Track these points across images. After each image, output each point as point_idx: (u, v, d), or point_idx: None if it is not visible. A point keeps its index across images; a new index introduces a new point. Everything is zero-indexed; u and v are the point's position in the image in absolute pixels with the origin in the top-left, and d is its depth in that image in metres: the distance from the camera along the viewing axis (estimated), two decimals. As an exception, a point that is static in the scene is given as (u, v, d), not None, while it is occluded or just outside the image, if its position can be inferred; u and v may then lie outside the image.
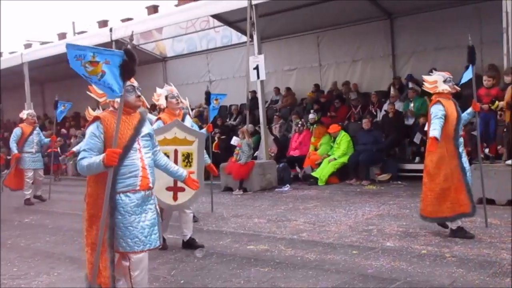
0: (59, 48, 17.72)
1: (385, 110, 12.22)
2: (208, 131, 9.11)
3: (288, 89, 15.68)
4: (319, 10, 13.57)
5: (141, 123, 4.00)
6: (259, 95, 12.04)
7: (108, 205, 3.76)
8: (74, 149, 10.42)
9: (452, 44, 12.75)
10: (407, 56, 13.93)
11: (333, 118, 13.11)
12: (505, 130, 8.15)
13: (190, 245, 6.40)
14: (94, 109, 9.14)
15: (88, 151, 3.82)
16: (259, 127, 12.40)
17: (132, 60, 3.65)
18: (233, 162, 11.18)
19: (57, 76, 21.31)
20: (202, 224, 7.93)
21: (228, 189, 11.29)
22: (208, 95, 9.64)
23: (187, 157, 5.97)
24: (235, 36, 16.96)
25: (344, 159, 11.38)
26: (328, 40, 15.20)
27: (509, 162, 7.84)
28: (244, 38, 14.37)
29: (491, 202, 7.80)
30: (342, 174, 11.52)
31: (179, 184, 5.55)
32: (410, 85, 12.17)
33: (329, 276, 4.98)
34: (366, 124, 11.34)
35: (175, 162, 5.73)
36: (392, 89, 12.65)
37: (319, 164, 11.66)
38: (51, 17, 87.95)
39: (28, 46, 32.90)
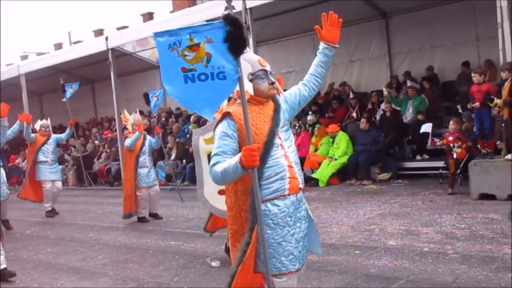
0: (55, 58, 17.81)
1: (382, 110, 12.23)
2: (157, 133, 9.46)
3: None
4: (314, 11, 13.52)
5: (277, 111, 3.20)
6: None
7: (252, 216, 3.04)
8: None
9: (448, 41, 12.80)
10: (403, 54, 13.95)
11: (331, 119, 13.12)
12: (503, 125, 8.15)
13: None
14: (130, 113, 9.19)
15: (221, 154, 3.03)
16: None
17: (238, 28, 2.85)
18: None
19: (54, 87, 21.24)
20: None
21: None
22: (146, 96, 10.29)
23: None
24: (231, 41, 16.96)
25: (344, 159, 11.38)
26: (324, 42, 15.19)
27: (509, 156, 7.84)
28: (239, 42, 14.36)
29: (492, 197, 7.81)
30: (342, 175, 11.52)
31: None
32: (409, 83, 12.19)
33: (332, 277, 4.97)
34: (363, 125, 11.34)
35: None
36: (384, 89, 12.62)
37: (319, 165, 11.66)
38: (47, 28, 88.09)
39: (24, 57, 33.02)
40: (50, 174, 10.51)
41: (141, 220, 8.97)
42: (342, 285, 4.75)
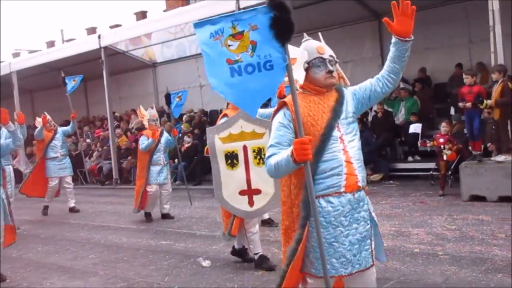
0: (47, 56, 17.72)
1: (374, 111, 12.27)
2: (174, 136, 9.22)
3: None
4: (307, 12, 13.58)
5: (339, 102, 2.99)
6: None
7: (304, 212, 2.85)
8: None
9: (440, 44, 12.84)
10: (395, 56, 13.97)
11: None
12: (493, 127, 8.20)
13: (241, 255, 5.83)
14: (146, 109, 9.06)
15: (276, 145, 2.85)
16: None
17: (285, 12, 2.61)
18: None
19: (46, 85, 21.23)
20: (195, 229, 7.92)
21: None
22: (168, 96, 9.84)
23: (259, 153, 5.03)
24: (225, 40, 16.96)
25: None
26: (317, 42, 15.22)
27: (500, 158, 7.88)
28: (233, 42, 14.35)
29: (482, 199, 7.85)
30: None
31: (254, 185, 4.96)
32: (402, 85, 12.23)
33: (322, 278, 4.97)
34: (356, 126, 11.37)
35: (246, 159, 5.04)
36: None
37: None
38: (39, 26, 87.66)
39: (16, 55, 32.85)
40: (59, 171, 10.35)
41: (147, 216, 8.87)
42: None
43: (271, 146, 2.87)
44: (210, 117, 16.26)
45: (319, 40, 3.30)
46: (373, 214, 3.04)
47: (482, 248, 5.45)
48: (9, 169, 8.58)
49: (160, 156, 8.76)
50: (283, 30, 2.63)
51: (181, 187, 13.21)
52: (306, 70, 2.96)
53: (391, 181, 10.71)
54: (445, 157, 8.64)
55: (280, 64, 2.64)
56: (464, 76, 8.58)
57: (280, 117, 2.92)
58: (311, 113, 2.92)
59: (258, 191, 5.03)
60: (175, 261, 6.13)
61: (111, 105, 15.98)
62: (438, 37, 12.74)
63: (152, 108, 9.03)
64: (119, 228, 8.60)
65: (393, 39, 2.97)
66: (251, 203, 5.06)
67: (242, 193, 5.07)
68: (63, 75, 12.06)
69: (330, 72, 2.98)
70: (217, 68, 2.65)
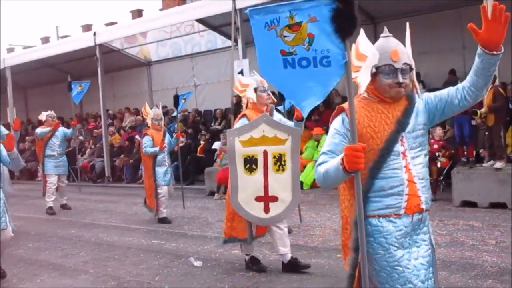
0: (42, 52, 17.66)
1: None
2: (177, 138, 9.08)
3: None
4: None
5: (407, 112, 2.63)
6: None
7: (356, 233, 2.54)
8: None
9: (435, 49, 12.88)
10: (390, 60, 14.02)
11: (317, 121, 13.17)
12: (486, 133, 8.24)
13: (294, 266, 5.29)
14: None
15: (328, 153, 2.60)
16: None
17: (348, 4, 2.39)
18: (224, 170, 11.04)
19: (40, 81, 21.16)
20: (187, 229, 7.91)
21: (213, 194, 11.28)
22: (176, 98, 9.72)
23: (279, 160, 4.88)
24: (220, 41, 16.97)
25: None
26: (313, 45, 15.24)
27: (498, 165, 7.86)
28: (228, 43, 14.39)
29: (473, 205, 7.89)
30: (326, 178, 11.53)
31: (271, 192, 4.85)
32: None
33: (313, 280, 4.99)
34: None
35: (265, 165, 4.87)
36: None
37: (304, 168, 11.69)
38: (34, 21, 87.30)
39: (10, 50, 32.64)
40: (55, 168, 10.28)
41: (162, 220, 8.47)
42: (322, 287, 4.77)
43: (323, 153, 2.62)
44: (204, 117, 16.26)
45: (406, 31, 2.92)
46: (432, 237, 2.72)
47: (473, 254, 5.48)
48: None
49: (165, 157, 8.61)
50: (345, 24, 2.39)
51: (173, 186, 13.20)
52: (374, 74, 2.64)
53: (383, 185, 10.72)
54: (439, 165, 8.69)
55: (338, 61, 2.42)
56: (459, 83, 8.62)
57: (337, 124, 2.67)
58: (372, 123, 2.60)
59: (275, 198, 4.87)
60: (166, 261, 6.13)
61: (105, 103, 15.94)
62: (432, 42, 12.79)
63: (157, 107, 8.87)
64: (110, 227, 8.58)
65: (479, 50, 2.44)
66: (266, 210, 4.90)
67: (258, 199, 4.90)
68: (69, 79, 11.70)
69: (399, 84, 2.61)
70: (270, 58, 2.49)
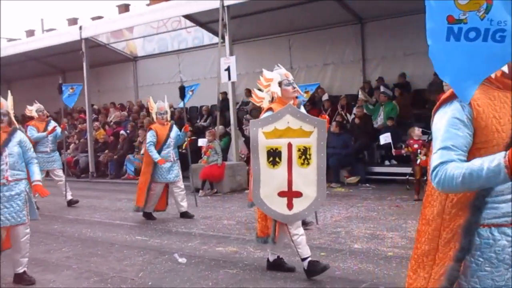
0: (27, 45, 17.49)
1: (354, 114, 12.37)
2: (185, 131, 8.71)
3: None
4: (291, 13, 13.64)
5: None
6: (230, 97, 12.06)
7: (465, 242, 2.12)
8: None
9: (420, 49, 12.88)
10: (376, 61, 14.12)
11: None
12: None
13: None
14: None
15: (454, 149, 2.05)
16: (230, 128, 12.42)
17: None
18: (210, 166, 11.03)
19: (25, 74, 20.95)
20: (171, 225, 7.90)
21: (198, 191, 11.27)
22: (182, 89, 9.35)
23: (304, 153, 4.64)
24: (207, 37, 16.95)
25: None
26: (300, 44, 15.30)
27: None
28: (215, 39, 14.36)
29: (456, 205, 7.95)
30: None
31: (295, 187, 4.65)
32: (382, 88, 12.36)
33: (297, 278, 5.01)
34: (334, 128, 11.46)
35: (289, 158, 4.65)
36: (360, 92, 12.84)
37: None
38: (19, 14, 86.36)
39: (-5, 43, 32.26)
40: (46, 164, 9.92)
41: (147, 216, 8.35)
42: (307, 286, 4.79)
43: (444, 148, 2.07)
44: (190, 114, 16.21)
45: None
46: None
47: (454, 254, 5.52)
48: None
49: (170, 152, 8.20)
50: None
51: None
52: None
53: (367, 184, 10.82)
54: (418, 161, 8.75)
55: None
56: (444, 84, 8.70)
57: (455, 111, 2.11)
58: (497, 114, 2.11)
59: (298, 194, 4.65)
60: (150, 257, 6.11)
61: (90, 98, 15.84)
62: (418, 43, 12.85)
63: (163, 101, 8.46)
64: (94, 222, 8.53)
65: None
66: (290, 206, 4.68)
67: (281, 194, 4.68)
68: (60, 81, 11.25)
69: None
70: (435, 25, 2.02)
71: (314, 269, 4.88)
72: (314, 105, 13.73)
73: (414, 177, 9.07)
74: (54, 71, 20.13)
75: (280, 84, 5.11)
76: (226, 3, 11.39)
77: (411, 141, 8.95)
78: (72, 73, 19.33)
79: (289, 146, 4.64)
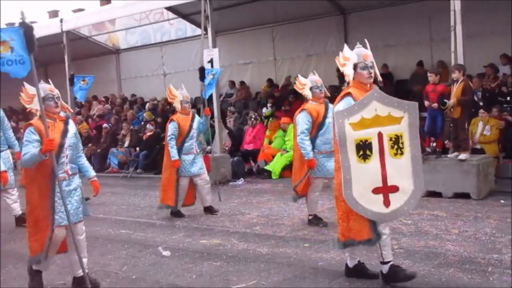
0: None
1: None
2: (206, 115, 8.40)
3: (243, 83, 15.72)
4: (273, 4, 13.62)
5: None
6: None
7: None
8: None
9: (402, 41, 13.07)
10: (359, 51, 14.14)
11: (287, 112, 13.21)
12: (451, 125, 8.38)
13: (394, 275, 4.45)
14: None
15: None
16: (213, 120, 12.39)
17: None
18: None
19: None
20: (155, 218, 7.88)
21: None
22: (202, 70, 9.07)
23: (396, 142, 4.19)
24: (190, 29, 16.86)
25: (297, 153, 11.46)
26: (283, 35, 15.29)
27: (462, 156, 7.98)
28: (198, 31, 14.30)
29: (438, 195, 8.04)
30: (295, 168, 11.59)
31: (390, 181, 4.18)
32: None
33: (280, 269, 5.04)
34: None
35: (381, 150, 4.17)
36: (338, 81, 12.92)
37: (273, 157, 11.73)
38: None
39: (-26, 35, 31.76)
40: None
41: (176, 214, 7.83)
42: (290, 277, 4.82)
43: None
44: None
45: None
46: None
47: (436, 243, 5.60)
48: (6, 154, 7.87)
49: (193, 144, 7.75)
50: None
51: (142, 175, 13.13)
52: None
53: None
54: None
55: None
56: (428, 74, 8.74)
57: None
58: None
59: (395, 189, 4.20)
60: (134, 251, 6.10)
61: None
62: (400, 34, 12.96)
63: (182, 88, 8.03)
64: (77, 216, 8.46)
65: None
66: (387, 203, 4.21)
67: (376, 191, 4.20)
68: (72, 72, 10.93)
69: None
70: None
71: (396, 275, 4.43)
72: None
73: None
74: (36, 64, 19.84)
75: (355, 66, 4.53)
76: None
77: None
78: (53, 66, 19.12)
79: (380, 136, 4.18)
